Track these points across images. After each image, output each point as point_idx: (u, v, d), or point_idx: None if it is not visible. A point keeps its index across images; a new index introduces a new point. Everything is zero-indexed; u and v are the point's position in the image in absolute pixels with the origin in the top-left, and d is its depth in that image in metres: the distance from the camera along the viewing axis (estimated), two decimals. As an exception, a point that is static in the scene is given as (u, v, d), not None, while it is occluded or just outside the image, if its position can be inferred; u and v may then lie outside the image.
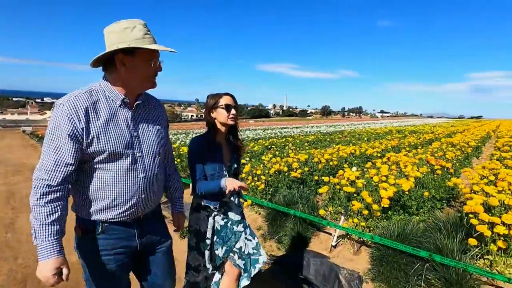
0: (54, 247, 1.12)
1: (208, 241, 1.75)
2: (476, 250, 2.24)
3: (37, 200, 1.11)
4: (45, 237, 1.11)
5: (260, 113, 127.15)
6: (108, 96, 1.21)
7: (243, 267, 1.77)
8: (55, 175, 1.12)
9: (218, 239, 1.77)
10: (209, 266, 1.77)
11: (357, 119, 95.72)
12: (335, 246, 2.92)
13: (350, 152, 6.27)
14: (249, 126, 28.29)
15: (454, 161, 5.73)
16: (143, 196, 1.29)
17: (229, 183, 1.60)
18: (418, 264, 2.25)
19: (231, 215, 1.81)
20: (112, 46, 1.14)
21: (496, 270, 2.12)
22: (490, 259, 2.19)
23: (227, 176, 1.75)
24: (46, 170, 1.12)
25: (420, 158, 4.87)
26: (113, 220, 1.26)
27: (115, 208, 1.25)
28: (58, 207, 1.15)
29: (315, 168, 4.84)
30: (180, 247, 2.68)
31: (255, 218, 3.76)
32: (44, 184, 1.12)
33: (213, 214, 1.76)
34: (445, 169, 4.68)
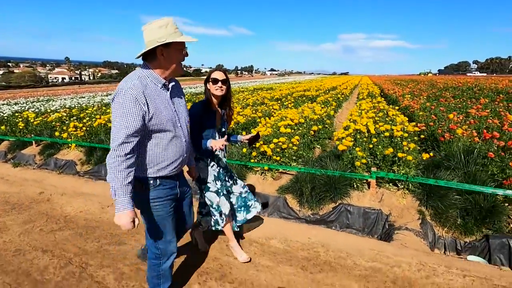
0: (130, 202, 1.43)
1: (209, 185, 2.24)
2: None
3: (117, 166, 1.39)
4: (124, 194, 1.41)
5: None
6: (152, 80, 1.50)
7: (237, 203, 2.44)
8: (127, 146, 1.41)
9: (218, 182, 2.27)
10: (212, 202, 2.25)
11: (249, 77, 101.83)
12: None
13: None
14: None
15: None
16: (185, 155, 1.70)
17: (213, 144, 1.99)
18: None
19: (221, 163, 2.32)
20: (153, 41, 1.44)
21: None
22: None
23: (217, 137, 2.19)
24: (121, 142, 1.39)
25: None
26: (166, 175, 1.60)
27: (169, 166, 1.60)
28: (131, 172, 1.44)
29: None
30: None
31: (78, 154, 5.86)
32: (121, 154, 1.40)
33: (211, 164, 2.25)
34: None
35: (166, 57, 1.48)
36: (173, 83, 1.62)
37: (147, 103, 1.44)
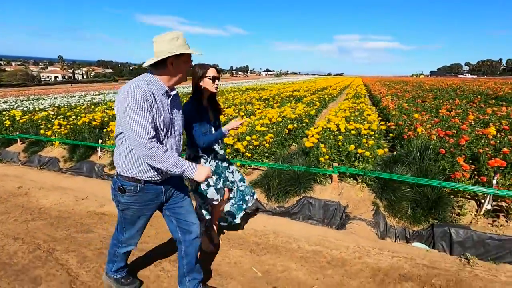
0: (192, 163, 1.63)
1: (209, 180, 2.24)
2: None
3: (161, 151, 1.53)
4: (183, 163, 1.59)
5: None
6: (155, 86, 1.61)
7: (234, 193, 2.46)
8: (154, 137, 1.55)
9: (216, 176, 2.30)
10: (216, 197, 2.26)
11: (244, 78, 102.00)
12: (100, 155, 5.55)
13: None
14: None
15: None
16: None
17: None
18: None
19: (219, 156, 2.37)
20: (164, 52, 1.56)
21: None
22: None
23: (213, 131, 2.25)
24: (150, 135, 1.52)
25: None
26: (150, 180, 1.66)
27: (153, 170, 1.64)
28: (170, 150, 1.60)
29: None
30: None
31: (61, 151, 6.01)
32: (154, 142, 1.53)
33: (208, 160, 2.29)
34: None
35: (175, 66, 1.61)
36: (175, 92, 1.72)
37: (152, 102, 1.55)
